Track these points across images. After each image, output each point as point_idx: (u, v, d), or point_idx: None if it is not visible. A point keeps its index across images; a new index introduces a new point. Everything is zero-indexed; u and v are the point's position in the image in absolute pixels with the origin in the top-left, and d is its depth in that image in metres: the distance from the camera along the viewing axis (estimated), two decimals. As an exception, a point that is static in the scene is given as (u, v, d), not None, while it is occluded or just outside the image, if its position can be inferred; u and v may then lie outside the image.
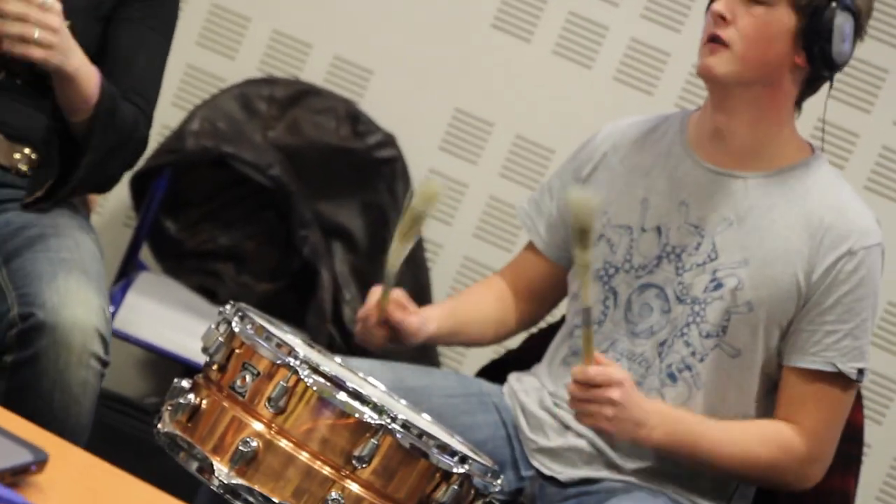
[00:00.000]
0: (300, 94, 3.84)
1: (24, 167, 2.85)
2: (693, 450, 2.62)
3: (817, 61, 2.65)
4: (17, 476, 1.44)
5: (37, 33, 2.51)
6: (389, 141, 3.84)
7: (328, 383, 2.12)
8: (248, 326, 2.20)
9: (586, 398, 2.51)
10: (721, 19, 2.60)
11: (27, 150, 2.86)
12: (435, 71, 3.98)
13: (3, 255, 2.72)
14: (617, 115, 3.02)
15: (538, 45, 3.94)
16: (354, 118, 3.84)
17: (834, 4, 2.60)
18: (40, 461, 1.48)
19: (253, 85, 3.86)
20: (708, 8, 2.65)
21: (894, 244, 2.75)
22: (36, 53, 2.52)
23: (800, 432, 2.63)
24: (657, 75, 3.85)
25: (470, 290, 3.08)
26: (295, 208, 3.66)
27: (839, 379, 2.64)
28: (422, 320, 2.71)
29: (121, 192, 3.69)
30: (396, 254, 2.61)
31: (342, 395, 2.11)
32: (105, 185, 2.97)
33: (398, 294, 2.67)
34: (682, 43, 3.69)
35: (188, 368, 3.22)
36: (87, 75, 2.66)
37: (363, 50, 3.99)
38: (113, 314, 3.36)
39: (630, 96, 3.83)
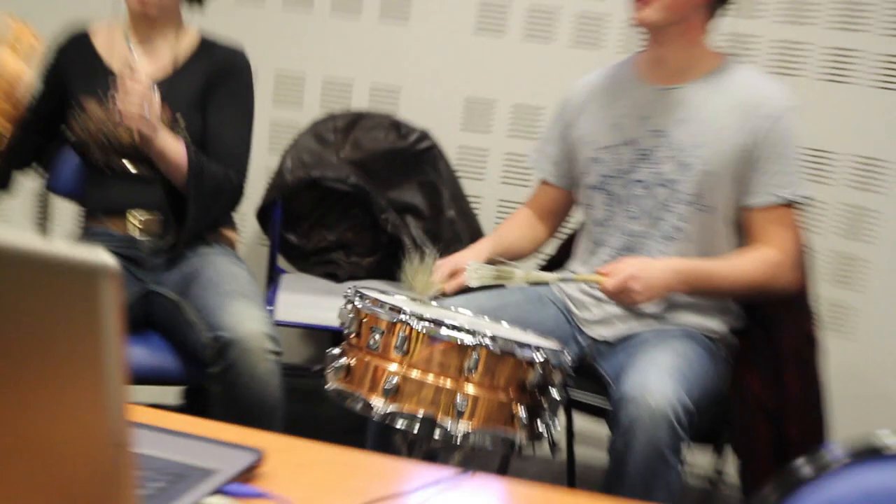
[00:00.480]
0: (354, 120, 3.87)
1: (147, 230, 2.96)
2: (710, 289, 2.70)
3: None
4: (247, 474, 1.44)
5: (148, 112, 2.67)
6: (424, 136, 3.86)
7: (432, 325, 2.18)
8: (366, 301, 2.28)
9: (619, 298, 2.58)
10: None
11: (159, 218, 2.96)
12: (444, 75, 3.98)
13: (187, 296, 2.81)
14: (579, 73, 3.03)
15: (511, 36, 3.93)
16: (396, 126, 3.87)
17: None
18: (259, 458, 1.48)
19: (320, 123, 3.88)
20: None
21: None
22: (145, 129, 2.69)
23: (778, 251, 2.70)
24: (601, 35, 3.85)
25: (507, 222, 3.07)
26: (373, 201, 3.73)
27: (788, 207, 2.71)
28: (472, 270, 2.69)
29: (251, 224, 3.80)
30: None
31: (444, 331, 2.20)
32: (214, 226, 3.03)
33: (442, 271, 2.72)
34: (615, 7, 3.69)
35: (333, 333, 3.28)
36: (174, 148, 2.79)
37: (390, 75, 4.00)
38: (272, 307, 3.49)
39: (584, 56, 3.82)
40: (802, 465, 1.52)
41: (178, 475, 1.37)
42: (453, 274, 2.69)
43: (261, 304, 2.78)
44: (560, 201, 3.02)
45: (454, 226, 3.77)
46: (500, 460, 2.98)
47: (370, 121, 3.87)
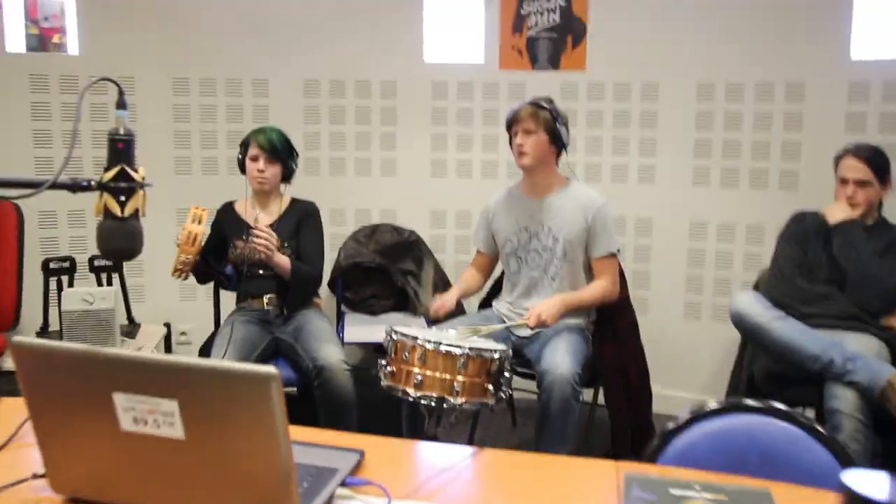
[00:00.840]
0: (374, 229, 3.70)
1: (272, 305, 2.80)
2: (579, 305, 2.58)
3: (560, 147, 2.63)
4: (356, 471, 1.23)
5: (271, 246, 2.60)
6: (412, 233, 3.68)
7: (436, 344, 2.07)
8: (397, 335, 2.15)
9: (538, 325, 2.47)
10: (521, 146, 2.56)
11: (272, 296, 2.81)
12: (417, 200, 3.81)
13: (298, 340, 2.68)
14: (487, 193, 2.92)
15: (450, 176, 3.78)
16: (396, 229, 3.70)
17: (557, 124, 2.56)
18: (363, 456, 1.27)
19: (356, 232, 3.70)
20: (511, 140, 2.63)
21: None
22: (265, 255, 2.63)
23: (608, 280, 2.62)
24: (497, 171, 3.71)
25: (464, 275, 2.91)
26: (389, 270, 3.54)
27: (611, 256, 2.62)
28: (449, 300, 2.64)
29: (326, 290, 3.60)
30: (426, 294, 2.67)
31: (442, 347, 2.08)
32: (306, 300, 2.87)
33: (439, 299, 2.64)
34: (503, 156, 3.55)
35: (375, 346, 3.10)
36: (283, 261, 2.68)
37: (389, 202, 3.82)
38: (342, 335, 3.26)
39: (489, 182, 3.67)
40: (669, 424, 1.37)
41: (316, 475, 1.20)
42: (441, 305, 2.61)
43: (338, 344, 2.63)
44: (490, 261, 2.88)
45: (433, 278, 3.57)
46: (472, 422, 2.76)
47: (382, 228, 3.70)
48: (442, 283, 3.49)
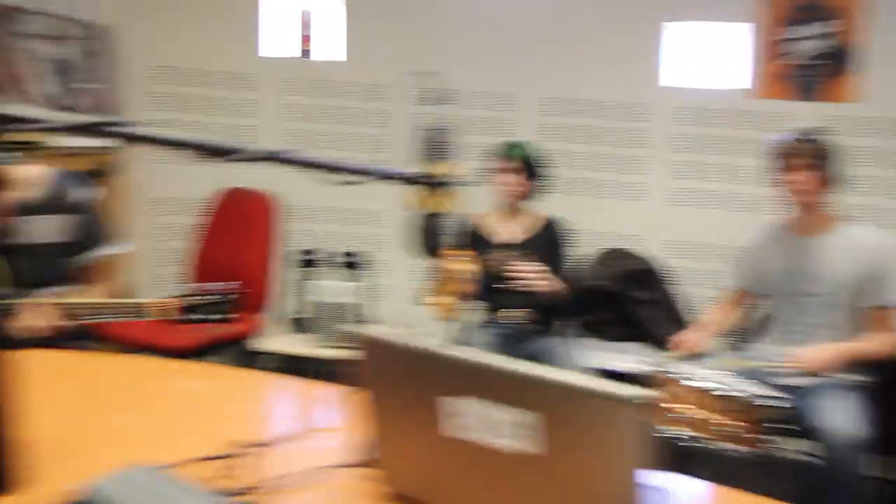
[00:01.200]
0: (612, 254, 3.55)
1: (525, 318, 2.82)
2: (858, 357, 2.34)
3: (836, 184, 2.44)
4: None
5: (541, 284, 2.67)
6: (650, 261, 3.52)
7: (717, 387, 1.98)
8: (669, 372, 2.12)
9: (809, 371, 2.29)
10: (797, 183, 2.40)
11: (524, 311, 2.81)
12: (655, 229, 3.66)
13: (537, 359, 2.63)
14: (737, 225, 2.75)
15: (706, 208, 3.60)
16: (634, 256, 3.53)
17: (833, 160, 2.40)
18: (667, 494, 1.21)
19: (599, 255, 3.57)
20: (779, 173, 2.44)
21: None
22: (536, 287, 2.67)
23: (888, 335, 2.37)
24: (743, 203, 3.44)
25: (712, 314, 2.72)
26: (624, 297, 3.40)
27: (890, 309, 2.38)
28: (695, 339, 2.55)
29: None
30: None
31: (718, 391, 1.96)
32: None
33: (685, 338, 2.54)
34: (754, 188, 3.25)
35: (610, 374, 2.96)
36: (554, 288, 2.73)
37: (629, 227, 3.66)
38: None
39: (737, 216, 3.44)
40: None
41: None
42: (689, 342, 2.50)
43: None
44: (748, 300, 2.66)
45: (667, 310, 3.41)
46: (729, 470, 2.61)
47: (620, 253, 3.55)
48: (675, 319, 3.33)
